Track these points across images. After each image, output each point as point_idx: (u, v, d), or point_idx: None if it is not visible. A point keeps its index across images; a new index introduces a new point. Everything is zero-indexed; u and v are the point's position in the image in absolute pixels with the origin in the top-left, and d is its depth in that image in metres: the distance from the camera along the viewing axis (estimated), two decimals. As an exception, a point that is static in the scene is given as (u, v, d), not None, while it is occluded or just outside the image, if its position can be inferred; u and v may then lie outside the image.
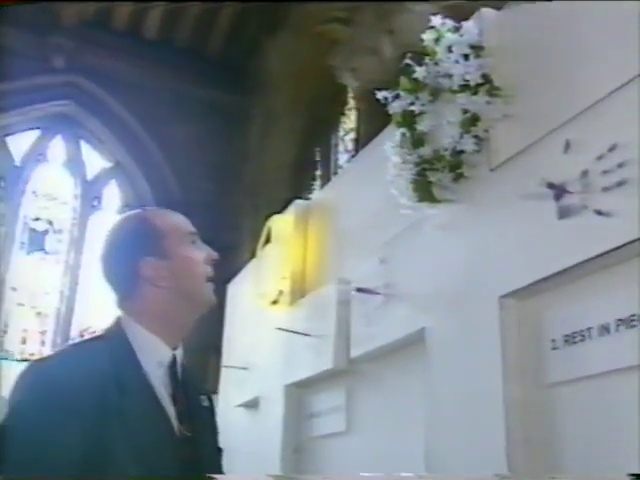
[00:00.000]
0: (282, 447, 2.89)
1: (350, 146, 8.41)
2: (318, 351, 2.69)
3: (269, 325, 3.26)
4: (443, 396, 1.92)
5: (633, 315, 1.43)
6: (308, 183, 9.00)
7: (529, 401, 1.66)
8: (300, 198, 4.51)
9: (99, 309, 9.34)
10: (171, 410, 1.33)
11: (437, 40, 2.10)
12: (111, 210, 9.96)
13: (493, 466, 1.67)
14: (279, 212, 3.68)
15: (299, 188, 8.77)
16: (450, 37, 2.05)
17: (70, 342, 1.53)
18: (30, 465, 1.17)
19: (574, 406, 1.56)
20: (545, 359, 1.64)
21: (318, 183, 8.92)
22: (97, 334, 1.45)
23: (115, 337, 1.37)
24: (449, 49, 2.03)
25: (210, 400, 1.48)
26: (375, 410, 2.38)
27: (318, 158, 8.98)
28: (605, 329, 1.49)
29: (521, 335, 1.72)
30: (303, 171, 8.98)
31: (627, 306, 1.44)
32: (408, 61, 2.19)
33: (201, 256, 1.43)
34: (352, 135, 8.37)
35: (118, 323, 1.40)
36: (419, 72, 2.13)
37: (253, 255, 4.56)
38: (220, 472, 1.42)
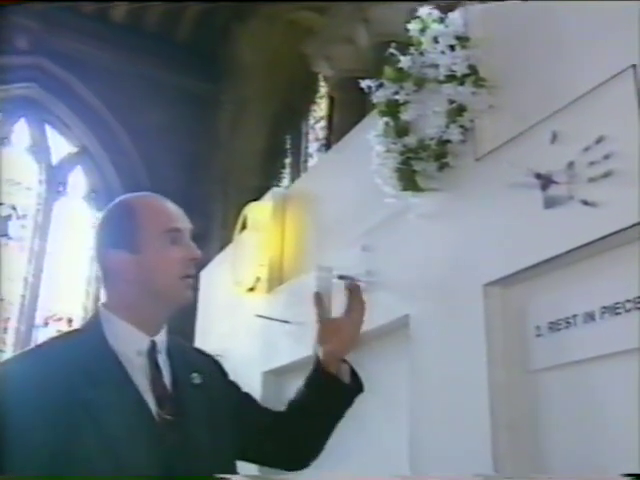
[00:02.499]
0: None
1: (321, 135, 8.42)
2: (298, 338, 2.70)
3: (246, 312, 3.26)
4: (427, 383, 1.95)
5: (618, 303, 1.47)
6: (278, 171, 8.99)
7: (513, 387, 1.70)
8: (270, 186, 4.49)
9: (64, 296, 9.23)
10: (150, 397, 1.32)
11: (422, 30, 2.12)
12: (76, 196, 9.81)
13: (478, 454, 1.70)
14: (249, 200, 3.68)
15: (269, 176, 8.76)
16: (436, 28, 2.07)
17: (49, 337, 1.57)
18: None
19: (558, 392, 1.60)
20: (529, 346, 1.67)
21: (288, 171, 8.91)
22: (76, 327, 1.49)
23: (91, 328, 1.38)
24: (435, 39, 2.05)
25: (208, 374, 1.47)
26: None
27: (288, 146, 8.97)
28: (590, 316, 1.53)
29: (505, 322, 1.76)
30: (273, 159, 8.97)
31: (612, 294, 1.48)
32: (392, 50, 2.21)
33: (177, 255, 1.39)
34: (323, 123, 8.38)
35: (96, 314, 1.41)
36: (404, 62, 2.14)
37: (223, 243, 4.54)
38: (216, 449, 1.39)
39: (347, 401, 1.62)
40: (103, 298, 1.43)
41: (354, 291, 1.74)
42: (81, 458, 1.20)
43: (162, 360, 1.38)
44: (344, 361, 1.65)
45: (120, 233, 1.39)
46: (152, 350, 1.37)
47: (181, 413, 1.34)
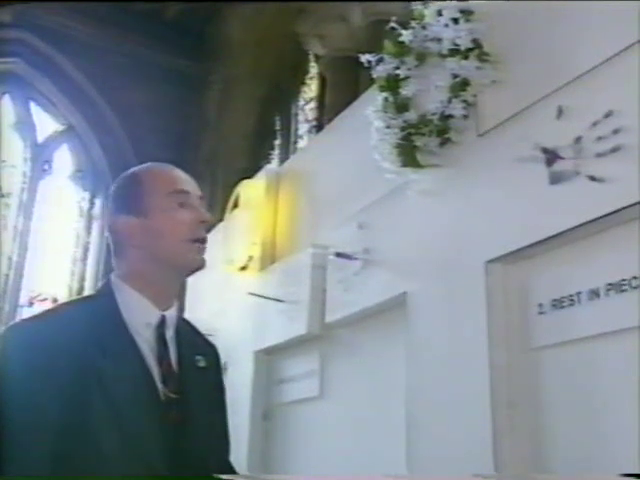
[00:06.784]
0: (251, 413, 2.88)
1: (310, 116, 8.34)
2: (291, 317, 2.67)
3: (237, 291, 3.23)
4: (426, 361, 1.92)
5: (623, 280, 1.45)
6: (267, 153, 8.91)
7: (515, 365, 1.68)
8: (258, 168, 4.40)
9: (49, 276, 9.13)
10: (156, 372, 1.30)
11: (426, 3, 2.08)
12: (62, 175, 9.68)
13: (477, 434, 1.69)
14: (237, 181, 3.64)
15: (258, 157, 8.68)
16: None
17: (60, 302, 1.56)
18: (6, 428, 1.14)
19: (560, 370, 1.59)
20: (532, 323, 1.65)
21: (277, 153, 8.84)
22: (88, 294, 1.44)
23: (103, 297, 1.35)
24: (439, 12, 2.02)
25: (211, 360, 1.44)
26: (351, 375, 2.38)
27: (278, 127, 8.88)
28: (595, 294, 1.51)
29: (507, 300, 1.74)
30: (262, 140, 8.87)
31: (618, 271, 1.46)
32: (393, 24, 2.17)
33: (185, 217, 1.36)
34: (313, 104, 8.30)
35: (108, 283, 1.37)
36: (405, 36, 2.10)
37: (210, 225, 4.45)
38: (212, 433, 1.37)
39: None
40: (115, 267, 1.39)
41: None
42: (88, 426, 1.18)
43: (169, 336, 1.35)
44: None
45: (127, 199, 1.37)
46: (161, 325, 1.33)
47: (183, 392, 1.32)
